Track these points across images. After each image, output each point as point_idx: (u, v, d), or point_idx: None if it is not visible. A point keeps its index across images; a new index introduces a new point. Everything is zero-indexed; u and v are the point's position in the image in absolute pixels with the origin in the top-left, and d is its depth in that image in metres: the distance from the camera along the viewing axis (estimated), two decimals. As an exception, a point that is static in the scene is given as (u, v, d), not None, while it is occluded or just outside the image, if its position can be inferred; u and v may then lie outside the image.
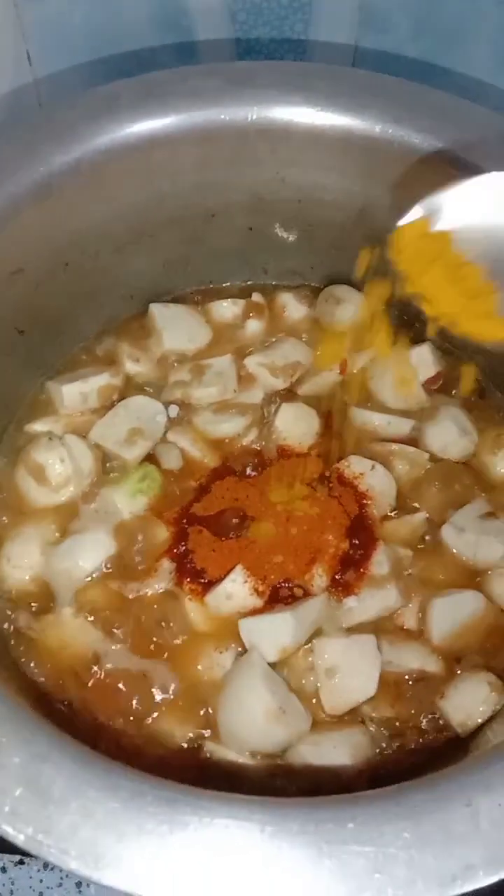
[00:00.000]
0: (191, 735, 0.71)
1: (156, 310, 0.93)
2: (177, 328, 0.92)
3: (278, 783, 0.69)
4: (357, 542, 0.79)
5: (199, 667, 0.74)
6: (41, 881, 0.78)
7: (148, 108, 0.76)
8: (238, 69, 0.81)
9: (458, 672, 0.74)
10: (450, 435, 0.85)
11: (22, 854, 0.78)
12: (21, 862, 0.78)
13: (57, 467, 0.80)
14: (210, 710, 0.72)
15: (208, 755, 0.70)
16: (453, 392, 0.89)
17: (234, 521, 0.80)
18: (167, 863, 0.46)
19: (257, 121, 0.77)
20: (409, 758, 0.71)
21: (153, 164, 0.78)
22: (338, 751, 0.69)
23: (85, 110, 0.76)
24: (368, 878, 0.45)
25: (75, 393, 0.85)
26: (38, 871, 0.78)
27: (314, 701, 0.72)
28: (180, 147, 0.78)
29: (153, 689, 0.73)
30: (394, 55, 1.01)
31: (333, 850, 0.46)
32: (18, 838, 0.47)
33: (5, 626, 0.76)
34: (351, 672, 0.72)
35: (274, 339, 0.93)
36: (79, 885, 0.78)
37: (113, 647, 0.75)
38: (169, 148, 0.78)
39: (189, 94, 0.78)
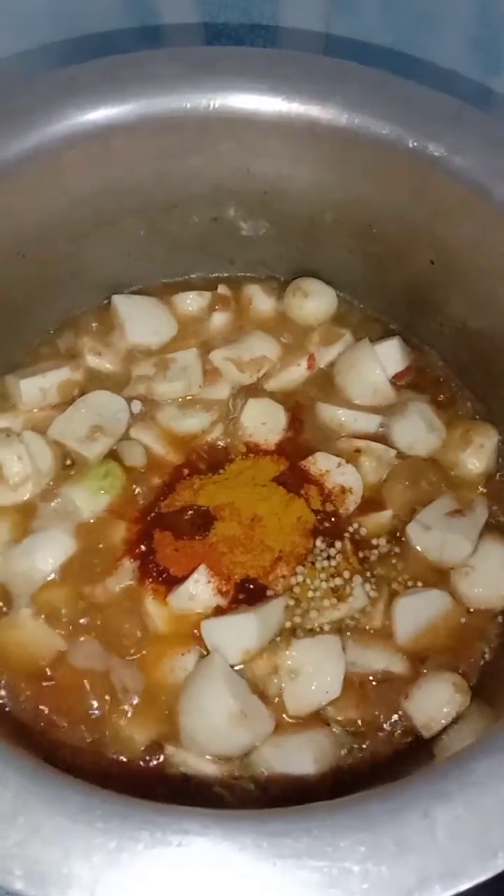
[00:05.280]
0: (151, 739, 0.70)
1: (119, 302, 0.90)
2: (140, 321, 0.90)
3: (241, 788, 0.68)
4: (322, 540, 0.77)
5: (162, 669, 0.73)
6: None
7: (105, 95, 0.74)
8: (200, 55, 0.78)
9: (424, 672, 0.73)
10: (417, 431, 0.83)
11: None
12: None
13: (14, 466, 0.78)
14: (172, 714, 0.70)
15: (169, 759, 0.69)
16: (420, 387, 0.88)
17: (197, 519, 0.78)
18: (115, 881, 0.44)
19: (219, 109, 0.75)
20: (374, 760, 0.70)
21: (111, 152, 0.76)
22: (301, 754, 0.68)
23: (40, 96, 0.73)
24: (322, 893, 0.44)
25: (34, 388, 0.83)
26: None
27: (277, 703, 0.71)
28: (139, 135, 0.76)
29: (114, 692, 0.72)
30: (365, 43, 0.99)
31: (287, 864, 0.45)
32: (-40, 857, 0.45)
33: (-40, 629, 0.74)
34: (314, 673, 0.71)
35: (240, 333, 0.91)
36: None
37: (73, 650, 0.73)
38: (127, 136, 0.75)
39: (148, 81, 0.75)
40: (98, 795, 0.48)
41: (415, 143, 0.74)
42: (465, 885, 0.46)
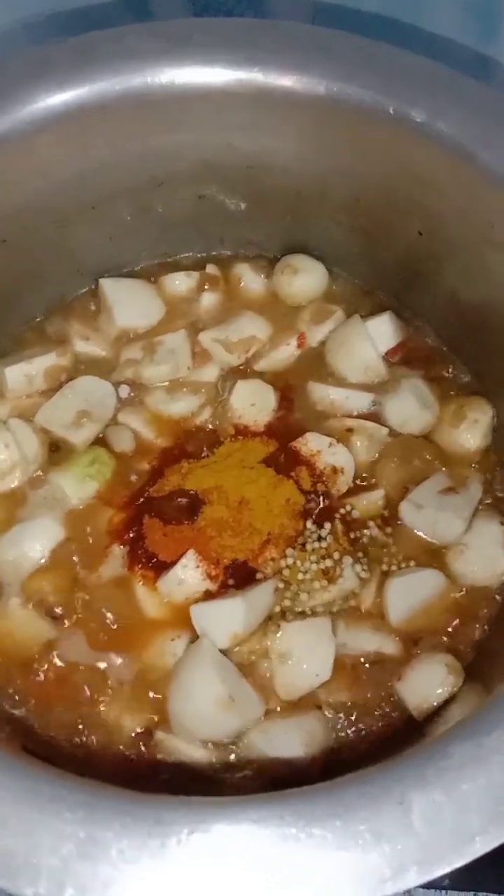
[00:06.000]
0: (141, 725, 0.69)
1: (106, 285, 0.89)
2: (129, 303, 0.88)
3: (230, 773, 0.67)
4: (313, 522, 0.76)
5: (151, 655, 0.72)
6: None
7: (80, 73, 0.72)
8: (178, 28, 0.75)
9: (417, 653, 0.72)
10: (410, 408, 0.82)
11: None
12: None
13: (1, 453, 0.77)
14: (162, 700, 0.70)
15: (159, 745, 0.69)
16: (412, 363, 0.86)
17: (186, 504, 0.77)
18: (85, 871, 0.44)
19: (195, 83, 0.73)
20: (366, 743, 0.69)
21: (88, 132, 0.74)
22: (289, 738, 0.67)
23: (12, 76, 0.71)
24: (293, 880, 0.44)
25: (19, 375, 0.82)
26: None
27: (268, 687, 0.71)
28: (118, 113, 0.74)
29: (104, 680, 0.71)
30: (355, 10, 0.96)
31: (258, 853, 0.44)
32: None
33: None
34: (305, 656, 0.70)
35: (230, 314, 0.89)
36: None
37: (63, 637, 0.73)
38: (105, 114, 0.73)
39: (125, 56, 0.73)
40: (67, 786, 0.47)
41: (396, 110, 0.71)
42: (442, 871, 0.45)
